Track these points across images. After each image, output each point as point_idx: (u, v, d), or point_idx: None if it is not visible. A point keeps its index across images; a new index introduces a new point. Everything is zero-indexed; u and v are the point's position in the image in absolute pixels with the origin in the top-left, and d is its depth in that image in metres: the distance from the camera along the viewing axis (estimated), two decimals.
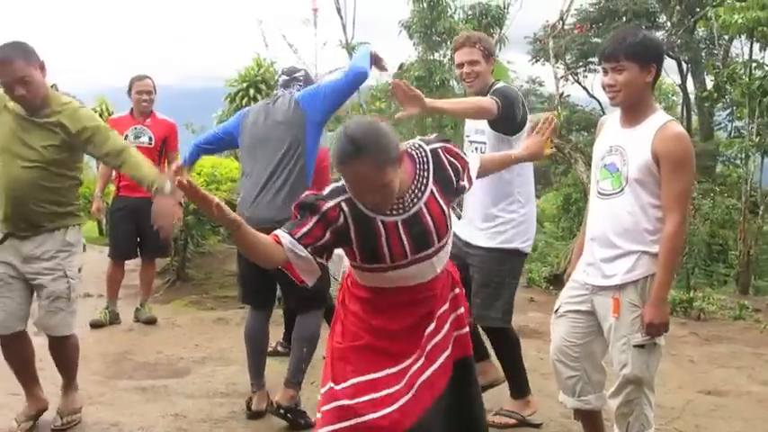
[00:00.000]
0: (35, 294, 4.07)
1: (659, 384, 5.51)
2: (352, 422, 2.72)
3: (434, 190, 2.85)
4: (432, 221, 2.81)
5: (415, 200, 2.80)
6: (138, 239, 6.85)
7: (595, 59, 21.29)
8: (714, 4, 12.13)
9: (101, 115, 10.51)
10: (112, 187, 7.03)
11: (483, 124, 4.36)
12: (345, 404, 2.75)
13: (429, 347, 2.88)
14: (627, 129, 3.38)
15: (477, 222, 4.41)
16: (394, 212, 2.77)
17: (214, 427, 4.23)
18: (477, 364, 4.61)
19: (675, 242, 3.24)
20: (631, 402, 3.40)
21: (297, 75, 4.66)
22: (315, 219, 2.71)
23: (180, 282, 8.75)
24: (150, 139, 6.69)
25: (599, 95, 21.89)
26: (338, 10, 13.60)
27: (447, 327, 2.95)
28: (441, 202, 2.86)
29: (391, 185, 2.66)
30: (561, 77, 11.67)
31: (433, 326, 2.90)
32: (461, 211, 4.48)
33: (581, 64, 21.06)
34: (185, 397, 4.75)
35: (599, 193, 3.44)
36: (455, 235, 4.35)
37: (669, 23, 15.86)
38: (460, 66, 4.44)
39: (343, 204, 2.73)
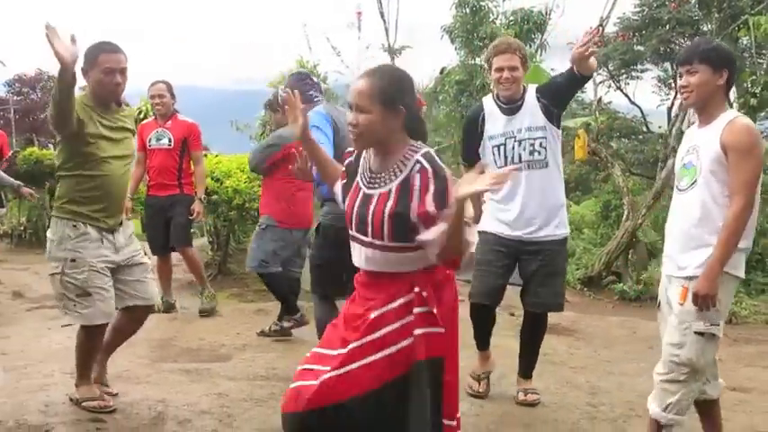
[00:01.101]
0: (123, 274, 4.34)
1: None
2: (290, 385, 2.92)
3: (393, 192, 2.86)
4: (372, 214, 2.87)
5: (377, 186, 2.92)
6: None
7: (638, 67, 21.27)
8: (752, 12, 12.07)
9: (145, 116, 10.89)
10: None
11: (542, 120, 4.65)
12: (297, 368, 2.96)
13: (367, 339, 2.82)
14: (702, 129, 3.63)
15: (544, 215, 4.67)
16: (366, 183, 2.96)
17: (255, 406, 4.43)
18: (482, 352, 4.94)
19: (737, 223, 3.42)
20: (679, 383, 3.56)
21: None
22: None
23: (221, 275, 9.06)
24: (170, 140, 7.02)
25: (641, 103, 21.83)
26: (381, 14, 13.83)
27: (397, 324, 2.82)
28: (389, 206, 2.84)
29: (370, 123, 2.84)
30: (600, 83, 11.74)
31: (373, 316, 2.85)
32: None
33: (623, 71, 20.98)
34: (227, 379, 4.97)
35: (678, 189, 3.70)
36: (502, 236, 4.69)
37: (710, 32, 15.77)
38: (500, 70, 4.65)
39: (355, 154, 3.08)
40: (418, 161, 2.84)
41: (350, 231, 2.99)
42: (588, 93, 22.12)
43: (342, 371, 2.79)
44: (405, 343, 2.81)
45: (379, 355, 2.80)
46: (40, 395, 4.41)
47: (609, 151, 13.43)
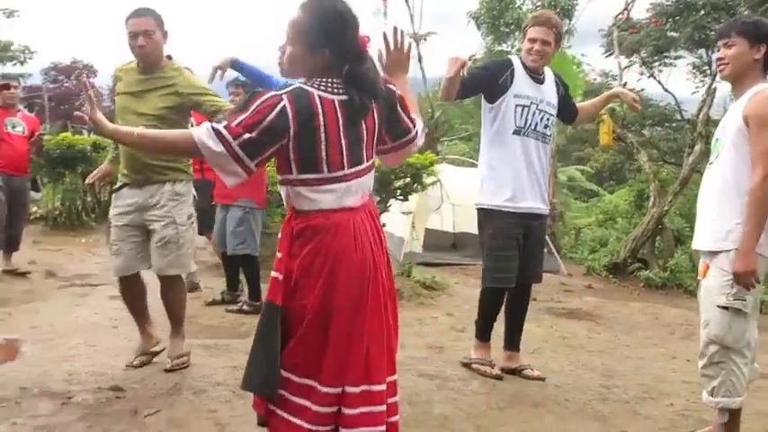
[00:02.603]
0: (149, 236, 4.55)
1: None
2: None
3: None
4: None
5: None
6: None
7: (671, 54, 21.00)
8: None
9: None
10: None
11: (556, 101, 4.91)
12: None
13: None
14: (733, 104, 3.66)
15: (543, 188, 4.87)
16: None
17: None
18: (486, 342, 5.00)
19: (758, 194, 3.40)
20: (716, 365, 3.56)
21: None
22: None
23: None
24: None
25: (675, 90, 21.59)
26: (406, 1, 13.84)
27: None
28: None
29: (291, 57, 2.65)
30: (626, 68, 11.68)
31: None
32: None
33: (656, 58, 20.76)
34: (244, 354, 4.91)
35: (708, 163, 3.74)
36: (518, 211, 4.75)
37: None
38: (533, 41, 4.74)
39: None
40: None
41: None
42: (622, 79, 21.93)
43: None
44: None
45: None
46: (65, 365, 4.55)
47: (640, 139, 13.31)
